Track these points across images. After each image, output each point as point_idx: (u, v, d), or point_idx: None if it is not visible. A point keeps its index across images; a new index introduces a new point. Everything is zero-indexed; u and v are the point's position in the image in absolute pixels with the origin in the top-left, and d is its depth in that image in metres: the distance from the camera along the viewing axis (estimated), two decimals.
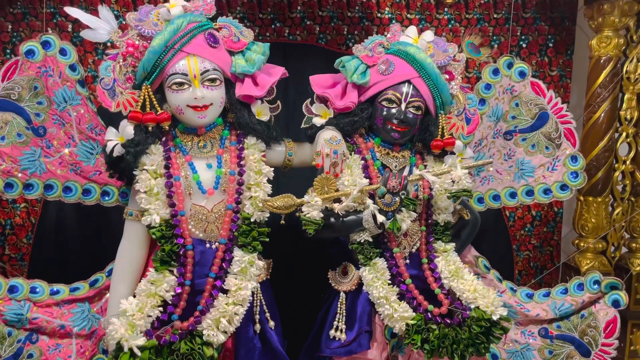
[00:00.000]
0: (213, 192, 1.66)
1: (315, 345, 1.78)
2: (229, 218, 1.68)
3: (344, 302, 1.75)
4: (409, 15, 2.31)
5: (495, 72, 1.99)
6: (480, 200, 2.04)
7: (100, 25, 1.63)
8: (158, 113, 1.62)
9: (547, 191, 2.00)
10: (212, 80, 1.63)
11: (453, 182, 1.75)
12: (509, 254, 2.53)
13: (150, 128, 1.61)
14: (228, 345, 1.71)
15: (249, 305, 1.65)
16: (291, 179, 2.03)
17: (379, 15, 2.29)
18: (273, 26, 2.24)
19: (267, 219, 1.70)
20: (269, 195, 1.70)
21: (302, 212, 1.67)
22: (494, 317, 1.62)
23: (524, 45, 2.40)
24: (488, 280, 1.98)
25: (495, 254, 2.36)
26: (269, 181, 1.72)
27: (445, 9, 2.33)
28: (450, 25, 2.36)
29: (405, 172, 1.79)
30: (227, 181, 1.68)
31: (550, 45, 2.42)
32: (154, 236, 1.61)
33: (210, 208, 1.67)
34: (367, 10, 2.27)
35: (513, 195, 2.02)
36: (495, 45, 2.41)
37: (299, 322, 1.87)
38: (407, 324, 1.66)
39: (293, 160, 1.82)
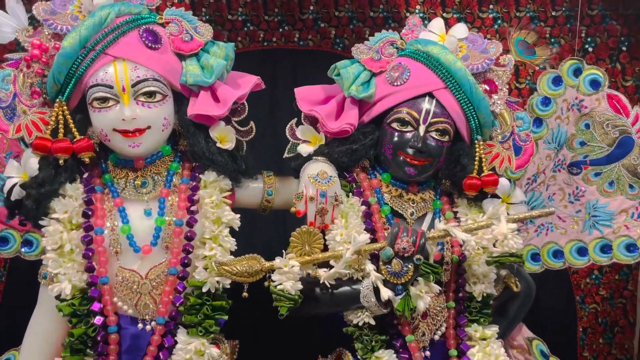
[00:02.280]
0: (150, 249, 1.20)
1: None
2: (171, 287, 1.21)
3: None
4: (445, 14, 1.98)
5: (557, 81, 1.46)
6: (536, 257, 1.49)
7: (4, 21, 1.21)
8: (75, 140, 1.17)
9: (631, 247, 1.48)
10: (150, 94, 1.17)
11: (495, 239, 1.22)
12: (572, 307, 2.13)
13: (61, 161, 1.16)
14: None
15: None
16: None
17: (407, 14, 1.96)
18: (280, 30, 1.95)
19: (227, 287, 1.21)
20: (231, 254, 1.21)
21: (272, 281, 1.17)
22: None
23: (590, 50, 2.01)
24: None
25: (554, 307, 2.05)
26: (233, 233, 1.23)
27: (491, 6, 1.98)
28: (496, 26, 1.99)
29: (425, 225, 1.27)
30: (171, 234, 1.20)
31: (624, 49, 2.01)
32: (61, 313, 1.16)
33: (144, 273, 1.20)
34: (394, 9, 1.97)
35: (582, 251, 1.50)
36: (554, 48, 1.90)
37: None
38: None
39: (273, 201, 1.36)
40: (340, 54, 1.95)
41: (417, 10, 1.97)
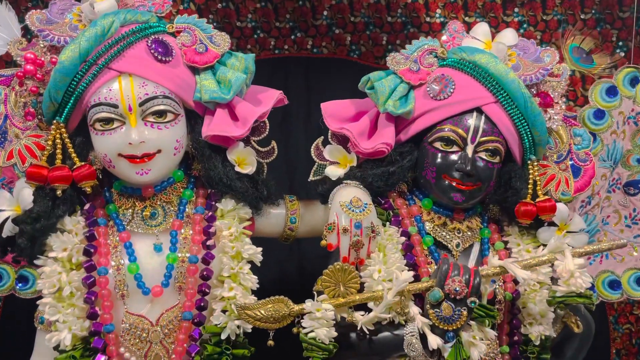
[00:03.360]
0: (161, 291, 1.05)
1: None
2: (186, 334, 1.05)
3: None
4: (467, 19, 1.85)
5: (612, 91, 1.30)
6: (590, 288, 1.31)
7: None
8: (74, 167, 1.02)
9: None
10: (160, 113, 1.03)
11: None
12: (605, 327, 1.98)
13: (59, 192, 1.01)
14: None
15: None
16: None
17: (427, 19, 1.85)
18: (293, 37, 1.83)
19: (248, 331, 1.06)
20: (253, 294, 1.06)
21: (302, 327, 1.01)
22: None
23: (622, 54, 1.84)
24: None
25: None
26: (254, 270, 1.08)
27: (516, 9, 1.84)
28: (522, 30, 1.86)
29: (472, 257, 1.12)
30: (185, 273, 1.05)
31: None
32: None
33: (155, 319, 1.05)
34: (413, 13, 1.85)
35: None
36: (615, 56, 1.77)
37: None
38: None
39: (297, 230, 1.22)
40: (357, 62, 1.86)
41: (437, 15, 1.83)
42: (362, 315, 1.04)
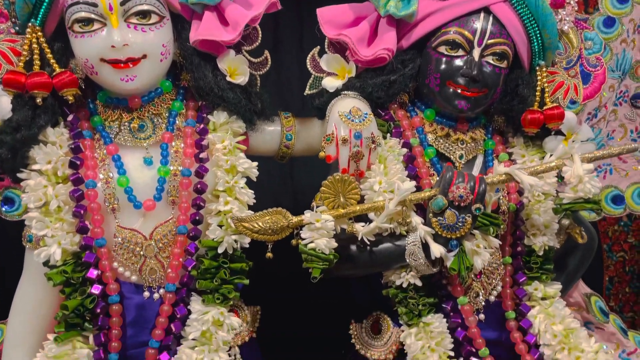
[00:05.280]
0: (153, 205, 1.00)
1: None
2: (181, 249, 1.02)
3: None
4: None
5: None
6: (616, 199, 1.30)
7: None
8: (54, 74, 0.95)
9: None
10: (143, 14, 0.96)
11: (561, 180, 1.03)
12: (598, 255, 1.90)
13: (39, 100, 0.94)
14: None
15: None
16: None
17: None
18: None
19: (246, 247, 1.02)
20: (249, 209, 1.02)
21: (301, 239, 0.98)
22: None
23: None
24: (607, 333, 1.26)
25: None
26: (250, 184, 1.03)
27: None
28: None
29: (475, 170, 1.08)
30: (178, 187, 1.00)
31: None
32: (51, 283, 0.97)
33: (148, 233, 1.01)
34: None
35: None
36: None
37: None
38: None
39: (293, 147, 1.16)
40: None
41: None
42: (363, 226, 1.01)
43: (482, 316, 1.06)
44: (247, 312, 1.12)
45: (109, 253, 1.00)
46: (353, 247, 1.03)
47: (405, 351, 1.05)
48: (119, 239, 1.00)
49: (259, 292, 1.16)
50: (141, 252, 1.00)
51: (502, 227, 1.03)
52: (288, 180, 1.67)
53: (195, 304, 1.01)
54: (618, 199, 1.31)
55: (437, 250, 0.96)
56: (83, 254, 0.98)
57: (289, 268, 1.10)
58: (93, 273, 0.98)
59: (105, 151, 1.01)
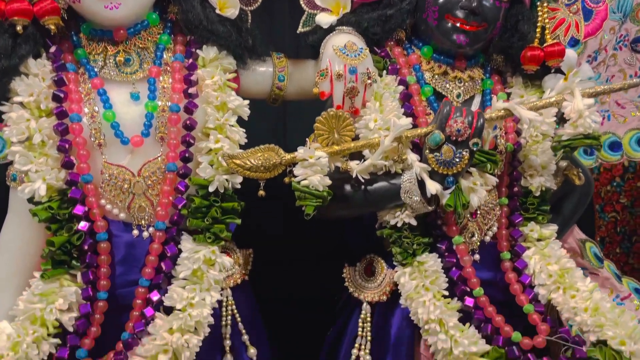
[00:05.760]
0: (141, 141, 0.97)
1: None
2: (171, 186, 0.99)
3: (369, 319, 1.07)
4: None
5: None
6: (589, 150, 1.28)
7: None
8: (35, 0, 0.90)
9: None
10: None
11: (561, 121, 1.00)
12: (590, 216, 1.94)
13: (19, 27, 0.90)
14: None
15: (210, 326, 0.98)
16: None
17: None
18: None
19: (238, 187, 1.00)
20: (240, 148, 0.99)
21: (294, 176, 0.95)
22: None
23: None
24: (602, 278, 1.25)
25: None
26: (241, 123, 1.00)
27: None
28: None
29: (474, 108, 1.05)
30: (166, 123, 0.97)
31: None
32: (36, 219, 0.94)
33: (136, 170, 0.98)
34: None
35: None
36: None
37: (297, 345, 1.20)
38: None
39: (286, 88, 1.12)
40: None
41: None
42: (357, 164, 0.99)
43: (477, 257, 1.05)
44: (239, 254, 1.11)
45: (95, 190, 0.97)
46: (347, 187, 1.01)
47: (399, 291, 1.04)
48: (106, 176, 0.97)
49: (252, 237, 1.14)
50: (129, 190, 0.98)
51: (499, 164, 1.00)
52: (281, 138, 1.63)
53: (186, 242, 0.99)
54: (615, 146, 1.29)
55: (433, 187, 0.94)
56: (69, 190, 0.95)
57: (284, 210, 1.08)
58: (80, 209, 0.95)
59: (89, 85, 0.97)
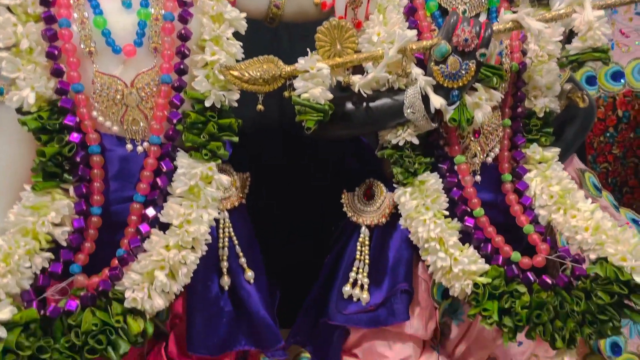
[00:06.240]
0: (134, 50, 0.92)
1: (321, 308, 1.12)
2: (166, 99, 0.95)
3: (367, 242, 1.06)
4: None
5: None
6: (591, 80, 1.26)
7: None
8: None
9: None
10: None
11: (567, 43, 0.98)
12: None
13: None
14: (177, 309, 1.06)
15: (208, 247, 0.96)
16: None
17: None
18: None
19: (235, 106, 0.97)
20: (237, 61, 0.95)
21: (293, 89, 0.92)
22: (637, 279, 0.90)
23: None
24: (601, 207, 1.24)
25: None
26: (237, 36, 0.96)
27: None
28: None
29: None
30: (160, 32, 0.93)
31: None
32: (25, 128, 0.90)
33: (129, 80, 0.94)
34: None
35: None
36: None
37: (295, 271, 1.20)
38: (475, 283, 0.97)
39: (284, 7, 1.07)
40: None
41: None
42: (360, 78, 0.96)
43: (478, 178, 1.03)
44: (236, 177, 1.08)
45: (87, 100, 0.93)
46: (349, 104, 0.98)
47: (399, 212, 1.02)
48: (98, 85, 0.93)
49: (250, 161, 1.11)
50: (122, 101, 0.94)
51: (505, 79, 0.98)
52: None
53: (183, 158, 0.96)
54: (618, 75, 1.28)
55: (437, 101, 0.91)
56: (59, 100, 0.91)
57: (285, 139, 1.06)
58: (71, 120, 0.91)
59: None
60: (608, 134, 2.17)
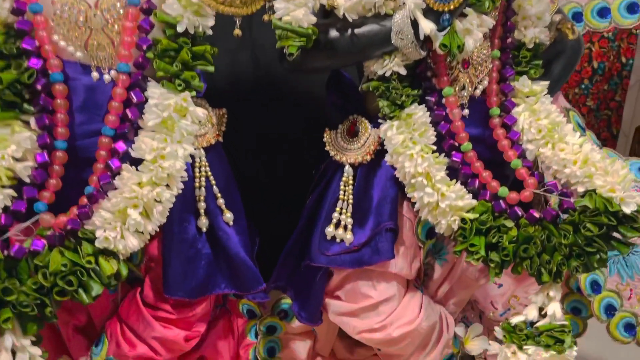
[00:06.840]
0: None
1: (303, 249, 1.09)
2: (134, 23, 0.87)
3: (351, 181, 1.02)
4: None
5: None
6: (578, 16, 1.22)
7: None
8: None
9: None
10: None
11: None
12: None
13: None
14: (152, 252, 1.01)
15: (183, 186, 0.91)
16: None
17: None
18: None
19: (209, 34, 0.90)
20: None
21: (274, 12, 0.86)
22: (626, 210, 0.89)
23: None
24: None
25: None
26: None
27: None
28: None
29: None
30: None
31: None
32: None
33: (93, 1, 0.85)
34: None
35: (633, 7, 1.21)
36: None
37: (276, 212, 1.15)
38: (462, 219, 0.95)
39: None
40: None
41: None
42: (345, 1, 0.90)
43: (465, 111, 1.00)
44: (212, 113, 1.02)
45: (47, 22, 0.84)
46: (333, 31, 0.92)
47: (384, 148, 0.98)
48: (58, 6, 0.84)
49: (227, 97, 1.05)
50: (86, 24, 0.85)
51: (496, 4, 0.93)
52: (247, 35, 1.50)
53: (154, 88, 0.89)
54: (605, 12, 1.24)
55: (427, 26, 0.86)
56: (14, 23, 0.82)
57: (264, 72, 0.99)
58: (30, 43, 0.82)
59: None
60: (583, 86, 2.19)
